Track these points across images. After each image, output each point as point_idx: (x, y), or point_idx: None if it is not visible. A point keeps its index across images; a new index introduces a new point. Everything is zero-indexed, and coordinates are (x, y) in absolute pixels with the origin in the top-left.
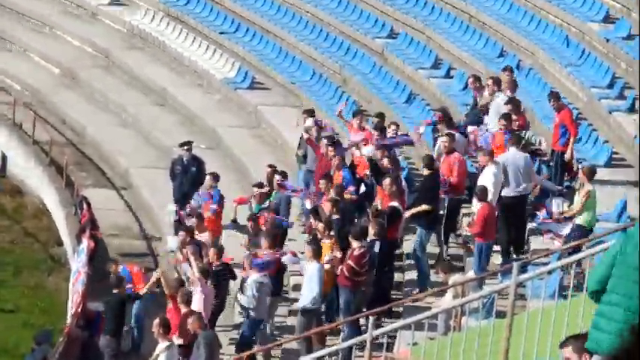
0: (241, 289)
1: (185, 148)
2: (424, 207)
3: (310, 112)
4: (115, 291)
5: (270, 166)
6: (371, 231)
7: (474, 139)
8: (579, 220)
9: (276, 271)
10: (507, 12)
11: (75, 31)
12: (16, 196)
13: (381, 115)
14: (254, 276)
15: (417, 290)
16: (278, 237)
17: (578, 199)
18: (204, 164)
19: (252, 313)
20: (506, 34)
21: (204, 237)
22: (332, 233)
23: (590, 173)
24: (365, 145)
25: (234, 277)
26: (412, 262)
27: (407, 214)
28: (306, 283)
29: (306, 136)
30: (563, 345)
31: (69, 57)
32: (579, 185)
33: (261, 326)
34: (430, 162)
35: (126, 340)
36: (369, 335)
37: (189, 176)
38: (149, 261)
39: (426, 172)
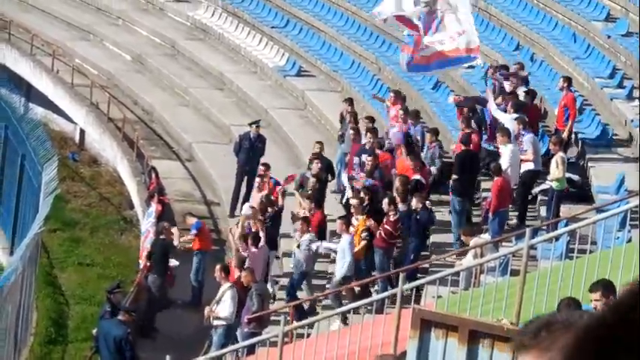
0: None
1: (254, 126)
2: (454, 176)
3: (349, 101)
4: (161, 237)
5: (318, 142)
6: (417, 204)
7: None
8: (556, 185)
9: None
10: (522, 11)
11: (145, 23)
12: (93, 166)
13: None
14: (307, 235)
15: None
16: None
17: (558, 167)
18: (266, 143)
19: (303, 267)
20: (522, 30)
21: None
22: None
23: (560, 142)
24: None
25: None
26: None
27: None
28: (340, 253)
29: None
30: (592, 290)
31: (139, 46)
32: (554, 153)
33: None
34: (467, 139)
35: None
36: (399, 289)
37: (254, 151)
38: (209, 223)
39: (462, 147)
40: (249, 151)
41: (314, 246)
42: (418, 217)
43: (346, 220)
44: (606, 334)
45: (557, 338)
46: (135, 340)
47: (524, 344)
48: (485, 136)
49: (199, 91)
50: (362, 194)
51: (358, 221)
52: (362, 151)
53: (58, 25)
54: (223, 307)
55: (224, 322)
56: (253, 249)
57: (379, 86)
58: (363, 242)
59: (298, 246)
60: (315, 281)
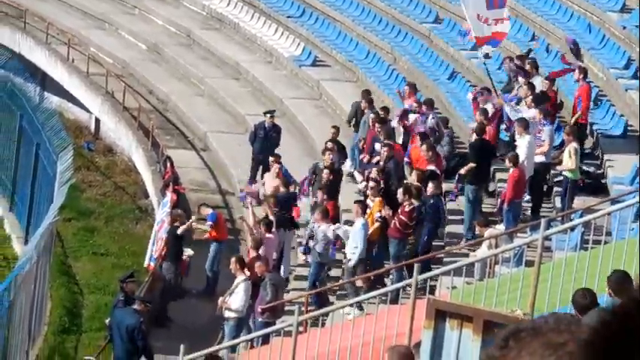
0: (312, 238)
1: (269, 115)
2: (471, 165)
3: (367, 94)
4: (175, 224)
5: (334, 126)
6: (431, 190)
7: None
8: (570, 174)
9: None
10: (538, 2)
11: (161, 13)
12: (108, 155)
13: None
14: (323, 226)
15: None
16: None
17: (571, 157)
18: (281, 132)
19: (319, 258)
20: (537, 21)
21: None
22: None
23: (573, 133)
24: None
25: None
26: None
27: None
28: (352, 237)
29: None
30: (609, 279)
31: (155, 35)
32: (567, 143)
33: (325, 268)
34: (481, 129)
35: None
36: (414, 279)
37: (269, 141)
38: (224, 213)
39: (475, 137)
40: (264, 141)
41: (330, 230)
42: (432, 201)
43: (362, 204)
44: (614, 339)
45: (524, 346)
46: (148, 330)
47: (493, 356)
48: (502, 127)
49: (215, 81)
50: (377, 177)
51: (374, 203)
52: (375, 139)
53: (74, 13)
54: (236, 299)
55: (235, 315)
56: (267, 234)
57: (395, 76)
58: (377, 224)
59: (311, 237)
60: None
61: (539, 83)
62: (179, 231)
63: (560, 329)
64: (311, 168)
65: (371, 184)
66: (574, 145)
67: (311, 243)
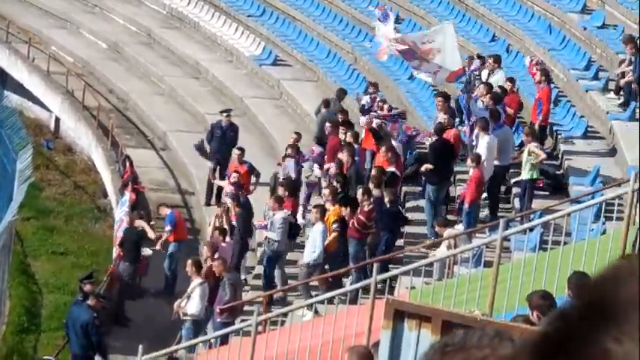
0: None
1: (225, 114)
2: (427, 165)
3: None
4: (135, 226)
5: (296, 133)
6: (387, 197)
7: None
8: (529, 176)
9: None
10: (498, 3)
11: (121, 11)
12: (68, 154)
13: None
14: (279, 213)
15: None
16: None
17: (531, 154)
18: (239, 131)
19: (275, 246)
20: (497, 22)
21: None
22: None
23: (532, 134)
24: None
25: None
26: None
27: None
28: (311, 241)
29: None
30: (569, 280)
31: (115, 34)
32: (526, 144)
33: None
34: (440, 130)
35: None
36: (373, 279)
37: (226, 140)
38: (183, 212)
39: (434, 137)
40: (221, 140)
41: (287, 215)
42: (388, 210)
43: (321, 208)
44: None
45: None
46: (105, 326)
47: None
48: (463, 127)
49: (175, 80)
50: (335, 183)
51: (329, 211)
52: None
53: (34, 12)
54: (192, 303)
55: (191, 318)
56: (222, 244)
57: (355, 76)
58: (334, 234)
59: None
60: (289, 270)
61: (501, 77)
62: (151, 236)
63: (482, 344)
64: (271, 177)
65: (325, 191)
66: (533, 144)
67: (266, 232)
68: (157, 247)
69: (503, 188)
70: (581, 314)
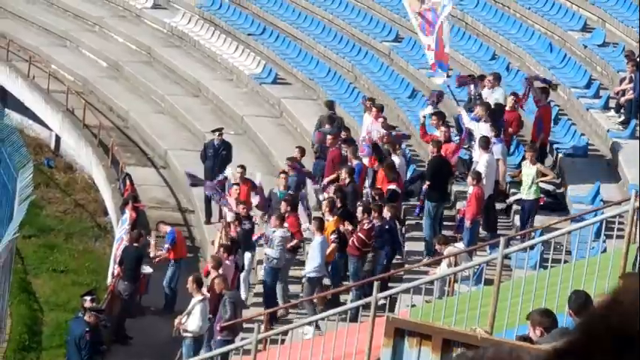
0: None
1: (217, 133)
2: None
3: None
4: (135, 244)
5: (298, 147)
6: (387, 213)
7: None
8: (532, 196)
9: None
10: (499, 21)
11: (122, 30)
12: (68, 172)
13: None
14: (279, 231)
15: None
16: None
17: (535, 175)
18: (232, 148)
19: (274, 262)
20: (498, 40)
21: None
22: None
23: (534, 152)
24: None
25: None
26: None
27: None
28: (311, 253)
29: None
30: (569, 300)
31: (116, 53)
32: (530, 164)
33: (280, 276)
34: (438, 146)
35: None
36: (373, 297)
37: (219, 159)
38: (183, 231)
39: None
40: (214, 159)
41: (287, 233)
42: (388, 226)
43: (319, 221)
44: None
45: None
46: (106, 345)
47: None
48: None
49: (175, 98)
50: (334, 196)
51: (328, 222)
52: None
53: (35, 30)
54: (192, 320)
55: (192, 335)
56: (226, 261)
57: (355, 94)
58: (333, 245)
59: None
60: (292, 287)
61: (501, 95)
62: (152, 254)
63: (502, 357)
64: (267, 195)
65: (325, 203)
66: (541, 165)
67: (266, 249)
68: (155, 261)
69: (503, 205)
70: (607, 326)
